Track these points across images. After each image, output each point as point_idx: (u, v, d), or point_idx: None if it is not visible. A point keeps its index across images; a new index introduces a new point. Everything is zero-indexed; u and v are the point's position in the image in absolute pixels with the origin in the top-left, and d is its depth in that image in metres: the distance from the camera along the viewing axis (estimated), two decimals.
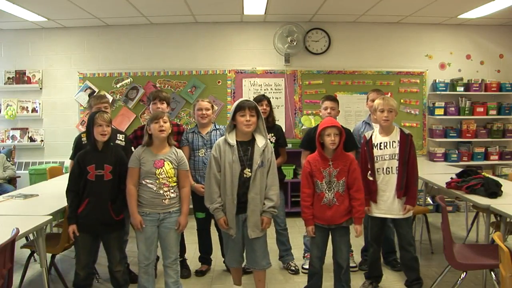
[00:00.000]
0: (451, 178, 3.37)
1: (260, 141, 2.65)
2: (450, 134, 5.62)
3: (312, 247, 2.84)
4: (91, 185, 2.63)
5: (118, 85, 5.55)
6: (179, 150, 2.80)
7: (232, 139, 2.65)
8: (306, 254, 3.49)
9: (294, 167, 5.19)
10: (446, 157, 5.59)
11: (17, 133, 5.58)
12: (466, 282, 2.90)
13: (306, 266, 3.19)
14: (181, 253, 3.22)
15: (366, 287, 3.06)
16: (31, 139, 5.59)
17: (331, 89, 5.55)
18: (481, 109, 5.60)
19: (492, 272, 2.53)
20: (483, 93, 5.60)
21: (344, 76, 5.63)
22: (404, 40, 5.69)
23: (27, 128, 5.61)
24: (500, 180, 3.39)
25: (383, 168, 2.88)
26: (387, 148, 2.88)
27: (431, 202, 5.29)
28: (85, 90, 5.56)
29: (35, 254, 3.17)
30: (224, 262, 3.50)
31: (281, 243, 3.56)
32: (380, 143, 2.91)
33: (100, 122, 2.63)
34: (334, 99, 3.40)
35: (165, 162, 2.68)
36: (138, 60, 5.57)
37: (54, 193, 3.34)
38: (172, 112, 5.41)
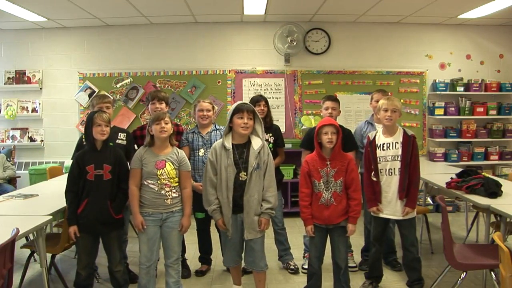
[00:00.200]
0: (451, 178, 3.36)
1: (256, 144, 2.65)
2: (450, 134, 5.63)
3: (310, 247, 2.84)
4: (90, 185, 2.63)
5: (118, 85, 5.55)
6: (180, 151, 2.81)
7: (229, 142, 2.65)
8: (306, 254, 3.49)
9: (294, 167, 5.19)
10: (446, 157, 5.59)
11: (17, 133, 5.58)
12: (466, 282, 2.91)
13: (306, 266, 3.19)
14: (181, 253, 3.22)
15: (366, 287, 3.06)
16: (31, 139, 5.59)
17: (331, 89, 5.55)
18: (481, 109, 5.60)
19: (492, 272, 2.53)
20: (483, 93, 5.60)
21: (344, 76, 5.63)
22: (404, 40, 5.69)
23: (27, 128, 5.62)
24: (500, 180, 3.39)
25: (385, 169, 2.88)
26: (389, 149, 2.88)
27: (431, 202, 5.29)
28: (85, 90, 5.56)
29: (35, 254, 3.17)
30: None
31: (280, 243, 3.56)
32: (383, 144, 2.90)
33: (98, 122, 2.63)
34: (335, 99, 3.40)
35: (166, 163, 2.68)
36: (138, 60, 5.58)
37: (54, 193, 3.34)
38: (172, 112, 5.42)
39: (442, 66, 5.76)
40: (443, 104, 5.60)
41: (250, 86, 5.60)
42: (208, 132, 3.34)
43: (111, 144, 2.84)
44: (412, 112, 5.66)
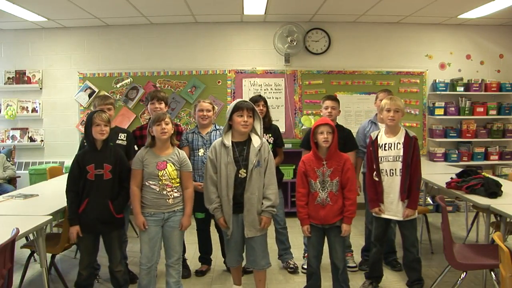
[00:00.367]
0: (451, 178, 3.37)
1: (256, 141, 2.66)
2: (450, 134, 5.63)
3: (308, 246, 2.85)
4: (91, 184, 2.64)
5: (118, 85, 5.55)
6: (181, 151, 2.81)
7: (228, 140, 2.65)
8: (306, 254, 3.48)
9: (294, 167, 5.19)
10: (446, 157, 5.59)
11: (17, 133, 5.58)
12: (466, 282, 2.91)
13: (306, 266, 3.19)
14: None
15: (366, 287, 3.06)
16: (31, 139, 5.59)
17: (331, 89, 5.55)
18: (481, 109, 5.60)
19: (492, 272, 2.53)
20: (483, 93, 5.60)
21: (344, 76, 5.63)
22: (404, 40, 5.69)
23: (27, 128, 5.62)
24: (500, 180, 3.39)
25: (386, 170, 2.88)
26: (391, 149, 2.87)
27: (431, 202, 5.29)
28: (85, 90, 5.56)
29: (35, 254, 3.17)
30: (224, 262, 3.51)
31: (281, 242, 3.56)
32: (385, 144, 2.90)
33: (98, 122, 2.63)
34: (335, 99, 3.41)
35: (167, 164, 2.69)
36: (138, 60, 5.58)
37: (54, 193, 3.35)
38: (172, 112, 5.42)
39: (442, 66, 5.76)
40: (443, 104, 5.60)
41: (250, 86, 5.60)
42: (208, 132, 3.34)
43: (111, 144, 2.84)
44: (412, 112, 5.66)
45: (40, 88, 5.58)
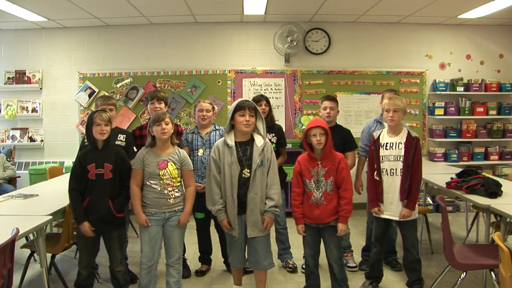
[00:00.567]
0: (451, 178, 3.37)
1: (259, 141, 2.65)
2: (450, 134, 5.63)
3: (304, 246, 2.86)
4: (91, 184, 2.64)
5: (118, 85, 5.55)
6: (182, 150, 2.82)
7: (231, 140, 2.64)
8: None
9: (293, 167, 5.18)
10: (446, 157, 5.59)
11: (17, 133, 5.58)
12: (466, 282, 2.91)
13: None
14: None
15: (366, 287, 3.06)
16: (31, 139, 5.58)
17: (331, 89, 5.55)
18: (481, 109, 5.60)
19: (492, 272, 2.53)
20: (483, 93, 5.60)
21: (344, 76, 5.63)
22: (404, 40, 5.69)
23: (27, 128, 5.61)
24: (500, 180, 3.39)
25: (387, 169, 2.88)
26: (393, 148, 2.87)
27: (431, 202, 5.29)
28: (85, 90, 5.56)
29: (35, 254, 3.17)
30: (224, 262, 3.51)
31: (281, 242, 3.57)
32: (387, 143, 2.90)
33: (98, 121, 2.64)
34: (333, 99, 3.41)
35: (168, 163, 2.69)
36: (138, 60, 5.57)
37: (54, 193, 3.35)
38: (172, 112, 5.42)
39: (442, 66, 5.76)
40: (443, 104, 5.60)
41: (250, 86, 5.60)
42: (207, 133, 3.33)
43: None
44: (412, 112, 5.66)
45: (40, 88, 5.58)
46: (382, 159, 2.90)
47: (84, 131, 5.15)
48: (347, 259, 3.52)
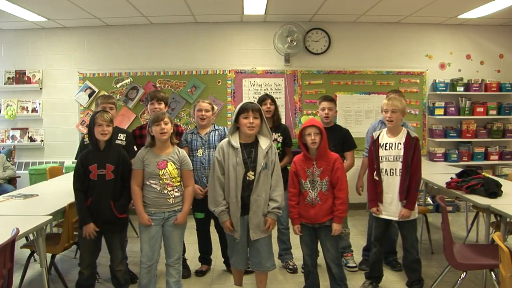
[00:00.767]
0: (451, 178, 3.37)
1: (264, 143, 2.64)
2: (450, 134, 5.62)
3: (302, 246, 2.86)
4: (93, 184, 2.65)
5: (118, 85, 5.55)
6: (182, 150, 2.82)
7: (236, 141, 2.63)
8: None
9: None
10: (446, 157, 5.59)
11: (17, 133, 5.58)
12: (466, 282, 2.91)
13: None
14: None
15: (366, 287, 3.06)
16: (31, 139, 5.58)
17: (331, 89, 5.55)
18: (481, 109, 5.60)
19: (492, 272, 2.53)
20: (483, 93, 5.59)
21: (344, 76, 5.63)
22: (404, 40, 5.68)
23: (27, 128, 5.61)
24: (500, 180, 3.39)
25: (386, 169, 2.88)
26: (392, 149, 2.87)
27: (431, 202, 5.30)
28: (85, 90, 5.56)
29: (35, 254, 3.18)
30: (224, 262, 3.51)
31: (282, 242, 3.57)
32: (386, 143, 2.90)
33: (100, 122, 2.64)
34: (331, 99, 3.42)
35: (168, 163, 2.69)
36: (138, 60, 5.57)
37: (54, 193, 3.35)
38: (172, 112, 5.42)
39: (442, 66, 5.76)
40: (443, 104, 5.60)
41: (250, 86, 5.60)
42: (207, 133, 3.32)
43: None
44: (412, 112, 5.66)
45: (40, 88, 5.58)
46: (381, 159, 2.90)
47: (84, 131, 5.18)
48: (347, 259, 3.52)
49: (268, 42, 5.53)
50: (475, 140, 5.64)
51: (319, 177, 2.70)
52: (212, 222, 3.38)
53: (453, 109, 5.58)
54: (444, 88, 5.61)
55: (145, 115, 5.43)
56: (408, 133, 2.86)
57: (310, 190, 2.71)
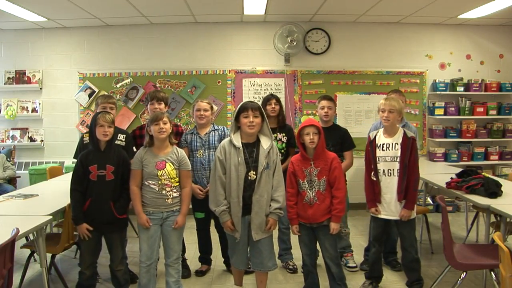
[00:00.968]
0: (451, 178, 3.37)
1: (265, 143, 2.64)
2: (450, 134, 5.62)
3: (300, 245, 2.86)
4: (93, 185, 2.65)
5: (118, 85, 5.55)
6: (180, 150, 2.81)
7: (238, 141, 2.62)
8: None
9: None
10: (446, 157, 5.59)
11: (17, 133, 5.58)
12: (466, 282, 2.91)
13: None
14: (181, 253, 3.22)
15: (366, 287, 3.06)
16: (31, 139, 5.58)
17: (331, 89, 5.55)
18: (481, 109, 5.60)
19: (492, 272, 2.53)
20: (483, 93, 5.59)
21: (344, 76, 5.63)
22: (404, 40, 5.68)
23: (27, 128, 5.61)
24: (500, 180, 3.39)
25: (384, 170, 2.88)
26: (389, 149, 2.87)
27: (431, 202, 5.30)
28: (85, 90, 5.56)
29: (35, 254, 3.17)
30: (224, 262, 3.51)
31: (282, 242, 3.57)
32: (383, 144, 2.90)
33: (101, 123, 2.64)
34: (330, 99, 3.42)
35: (166, 164, 2.69)
36: (138, 60, 5.57)
37: (54, 193, 3.35)
38: (172, 112, 5.42)
39: (442, 66, 5.76)
40: (443, 104, 5.60)
41: (250, 86, 5.60)
42: (206, 133, 3.32)
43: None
44: (412, 112, 5.66)
45: (40, 88, 5.58)
46: (379, 160, 2.90)
47: (84, 131, 5.18)
48: (347, 259, 3.52)
49: (268, 42, 5.53)
50: (475, 140, 5.64)
51: (317, 177, 2.70)
52: (212, 222, 3.38)
53: (453, 109, 5.58)
54: (444, 88, 5.61)
55: (145, 115, 5.42)
56: (404, 133, 2.86)
57: (308, 190, 2.71)
